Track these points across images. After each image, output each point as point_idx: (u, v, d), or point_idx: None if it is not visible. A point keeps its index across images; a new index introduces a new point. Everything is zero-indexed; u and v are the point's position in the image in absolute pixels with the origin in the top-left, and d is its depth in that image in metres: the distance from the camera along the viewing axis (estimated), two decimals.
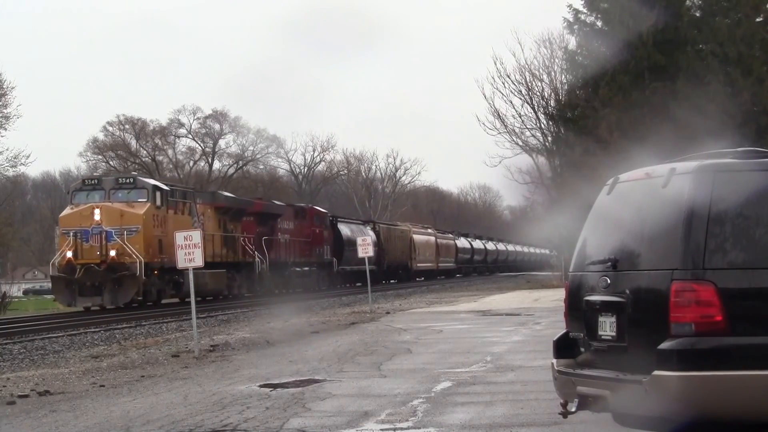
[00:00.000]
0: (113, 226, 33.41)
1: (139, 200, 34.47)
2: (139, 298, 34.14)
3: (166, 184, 37.67)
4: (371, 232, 60.81)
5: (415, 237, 71.20)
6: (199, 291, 37.70)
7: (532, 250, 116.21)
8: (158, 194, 35.03)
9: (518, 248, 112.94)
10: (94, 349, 19.98)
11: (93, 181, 36.04)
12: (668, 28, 32.83)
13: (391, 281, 65.10)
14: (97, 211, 33.60)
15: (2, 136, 55.17)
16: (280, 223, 47.28)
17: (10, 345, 20.75)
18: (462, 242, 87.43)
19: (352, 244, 56.35)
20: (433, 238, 76.72)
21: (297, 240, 48.84)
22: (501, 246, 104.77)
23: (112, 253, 33.15)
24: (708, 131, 24.44)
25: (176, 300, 38.15)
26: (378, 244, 59.63)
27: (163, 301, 36.51)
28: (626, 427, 7.48)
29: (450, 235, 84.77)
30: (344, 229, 57.31)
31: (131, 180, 35.85)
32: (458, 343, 18.11)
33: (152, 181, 36.46)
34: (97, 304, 33.71)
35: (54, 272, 34.09)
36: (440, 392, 11.48)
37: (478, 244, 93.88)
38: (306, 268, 49.64)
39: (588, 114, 35.06)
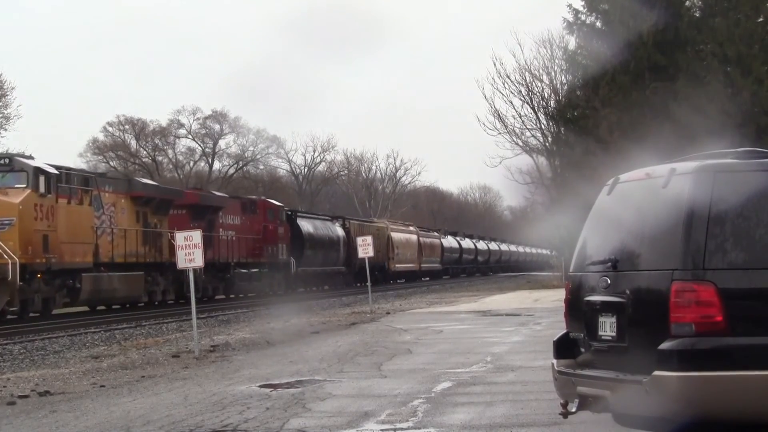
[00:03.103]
0: None
1: (17, 186, 27.46)
2: (13, 308, 27.27)
3: (58, 167, 29.98)
4: (339, 229, 56.00)
5: (394, 235, 65.71)
6: (105, 298, 32.39)
7: (529, 249, 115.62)
8: (42, 179, 27.96)
9: (513, 248, 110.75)
10: (95, 349, 19.99)
11: None
12: (668, 28, 32.85)
13: (367, 284, 59.46)
14: None
15: (2, 137, 55.18)
16: (222, 217, 41.16)
17: (10, 345, 20.74)
18: (449, 241, 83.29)
19: (314, 242, 50.74)
20: (414, 237, 71.63)
21: (244, 237, 42.69)
22: (494, 245, 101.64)
23: None
24: (708, 131, 24.45)
25: (83, 309, 32.62)
26: (348, 243, 54.76)
27: (55, 312, 29.71)
28: (626, 428, 7.48)
29: (435, 234, 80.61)
30: (306, 226, 50.87)
31: (6, 161, 28.10)
32: (458, 343, 18.11)
33: (35, 163, 28.70)
34: None
35: None
36: (440, 392, 11.48)
37: (467, 243, 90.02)
38: (255, 270, 43.34)
39: (588, 114, 35.08)
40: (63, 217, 28.97)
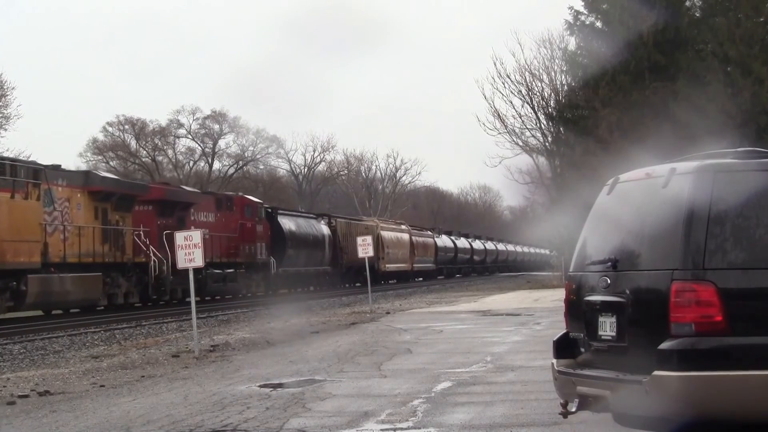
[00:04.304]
0: None
1: None
2: None
3: (0, 158, 27.69)
4: (325, 227, 53.99)
5: (384, 234, 63.08)
6: (56, 301, 29.71)
7: (528, 249, 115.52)
8: None
9: (512, 247, 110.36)
10: (95, 349, 19.99)
11: None
12: (668, 28, 32.87)
13: (356, 285, 54.65)
14: None
15: (2, 137, 55.16)
16: (195, 214, 38.70)
17: (10, 345, 20.76)
18: (443, 240, 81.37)
19: (297, 241, 48.77)
20: (406, 236, 69.23)
21: (219, 235, 39.83)
22: (491, 245, 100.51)
23: None
24: (708, 131, 24.48)
25: (37, 313, 30.03)
26: (334, 242, 54.04)
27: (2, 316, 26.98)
28: (626, 427, 7.48)
29: (429, 233, 78.56)
30: (287, 224, 48.32)
31: None
32: (458, 343, 18.11)
33: None
34: None
35: None
36: (440, 392, 11.48)
37: (462, 242, 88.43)
38: (230, 270, 40.75)
39: (588, 114, 35.09)
40: (5, 212, 26.25)
